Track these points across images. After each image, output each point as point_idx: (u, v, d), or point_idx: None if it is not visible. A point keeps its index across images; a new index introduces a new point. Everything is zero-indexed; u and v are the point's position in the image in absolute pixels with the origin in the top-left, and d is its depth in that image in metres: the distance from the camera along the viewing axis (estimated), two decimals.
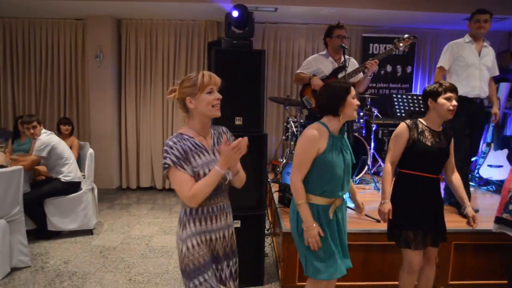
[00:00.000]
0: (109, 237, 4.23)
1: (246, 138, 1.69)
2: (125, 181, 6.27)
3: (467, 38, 3.69)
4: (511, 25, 5.97)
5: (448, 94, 2.29)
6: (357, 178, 4.55)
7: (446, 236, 2.45)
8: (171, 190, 6.15)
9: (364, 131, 4.84)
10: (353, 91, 2.09)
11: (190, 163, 1.73)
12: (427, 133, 2.35)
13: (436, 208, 2.40)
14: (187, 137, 1.79)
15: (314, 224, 2.06)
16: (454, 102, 2.30)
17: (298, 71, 3.82)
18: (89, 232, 4.28)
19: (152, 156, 6.21)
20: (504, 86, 4.82)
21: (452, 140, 2.44)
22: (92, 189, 4.42)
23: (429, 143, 2.32)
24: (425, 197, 2.36)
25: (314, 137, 2.04)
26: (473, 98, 3.59)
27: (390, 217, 2.37)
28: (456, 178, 2.48)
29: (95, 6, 5.30)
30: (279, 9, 5.32)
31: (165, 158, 1.72)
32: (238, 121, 3.07)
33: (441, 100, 2.30)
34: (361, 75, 3.69)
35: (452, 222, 3.13)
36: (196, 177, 1.73)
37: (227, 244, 1.90)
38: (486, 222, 3.27)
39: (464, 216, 2.50)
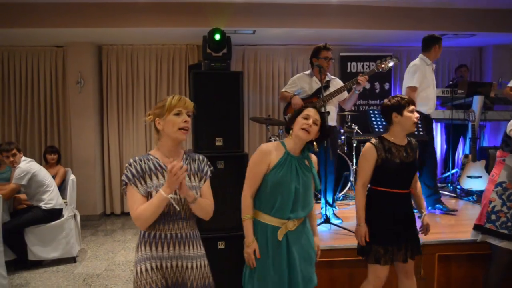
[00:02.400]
0: (93, 264, 4.14)
1: (180, 163, 1.67)
2: (109, 207, 6.17)
3: (427, 60, 3.98)
4: (481, 41, 6.22)
5: (411, 107, 2.32)
6: (340, 194, 4.59)
7: (420, 249, 2.45)
8: None
9: (346, 148, 4.91)
10: (306, 112, 2.09)
11: (145, 183, 1.74)
12: (394, 150, 2.34)
13: (407, 221, 2.40)
14: (152, 157, 1.81)
15: (253, 242, 2.07)
16: (417, 114, 2.33)
17: (283, 89, 3.90)
18: (72, 260, 4.18)
19: None
20: (478, 99, 4.98)
21: (418, 151, 2.46)
22: (75, 215, 4.35)
23: (397, 160, 2.32)
24: (396, 212, 2.36)
25: (264, 152, 2.08)
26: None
27: (367, 240, 2.35)
28: (418, 188, 2.53)
29: (76, 33, 5.33)
30: (257, 31, 5.44)
31: (123, 174, 1.76)
32: (219, 142, 3.09)
33: (406, 113, 2.31)
34: (345, 94, 3.77)
35: (435, 233, 3.17)
36: (149, 197, 1.73)
37: (180, 275, 1.80)
38: (467, 233, 3.32)
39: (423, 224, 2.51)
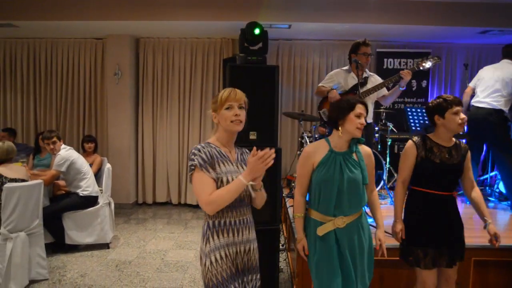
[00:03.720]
0: (125, 251, 4.26)
1: (273, 150, 1.71)
2: (141, 196, 6.34)
3: None
4: None
5: (456, 108, 2.23)
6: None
7: (463, 256, 2.37)
8: (186, 205, 6.19)
9: (379, 146, 4.81)
10: (359, 109, 2.08)
11: (215, 169, 1.78)
12: (435, 150, 2.29)
13: (450, 226, 2.32)
14: (213, 146, 1.86)
15: (302, 239, 2.15)
16: (462, 115, 2.25)
17: (319, 84, 3.88)
18: (105, 246, 4.33)
19: (168, 172, 6.28)
20: None
21: (469, 154, 2.37)
22: (109, 203, 4.49)
23: (437, 160, 2.27)
24: (437, 214, 2.29)
25: (307, 153, 2.15)
26: None
27: (403, 237, 2.34)
28: (476, 194, 2.39)
29: (115, 26, 5.48)
30: (293, 26, 5.40)
31: (192, 160, 1.78)
32: (253, 136, 3.10)
33: (449, 115, 2.24)
34: (384, 91, 3.71)
35: (472, 237, 3.06)
36: (219, 183, 1.77)
37: (249, 259, 1.90)
38: (508, 238, 3.19)
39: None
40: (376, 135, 4.83)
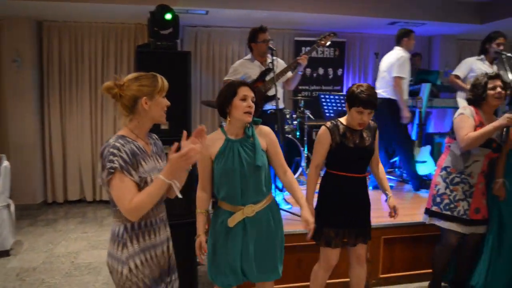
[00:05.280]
0: (29, 257, 3.86)
1: (198, 145, 1.56)
2: (50, 195, 5.79)
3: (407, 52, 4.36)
4: (430, 30, 6.39)
5: (359, 108, 2.21)
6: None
7: (370, 234, 2.47)
8: (102, 202, 5.79)
9: (298, 133, 4.90)
10: (242, 92, 1.98)
11: (137, 169, 1.57)
12: (348, 134, 2.33)
13: (360, 206, 2.41)
14: (130, 140, 1.61)
15: (200, 236, 2.06)
16: (365, 118, 2.24)
17: (225, 78, 3.80)
18: (5, 253, 3.86)
19: (80, 167, 5.82)
20: (425, 87, 5.11)
21: (377, 133, 2.44)
22: (8, 205, 4.02)
23: (351, 145, 2.31)
24: (350, 196, 2.36)
25: (204, 148, 2.00)
26: None
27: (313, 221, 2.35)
28: (380, 170, 2.51)
29: (11, 6, 4.86)
30: (210, 12, 5.24)
31: (111, 161, 1.51)
32: (164, 126, 2.93)
33: (353, 111, 2.25)
34: (289, 74, 3.73)
35: (381, 217, 3.23)
36: (143, 184, 1.57)
37: (170, 258, 1.76)
38: (412, 215, 3.42)
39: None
40: (295, 122, 4.91)
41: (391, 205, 2.41)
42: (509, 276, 2.71)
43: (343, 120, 2.39)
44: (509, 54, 3.88)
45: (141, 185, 1.57)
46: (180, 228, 2.97)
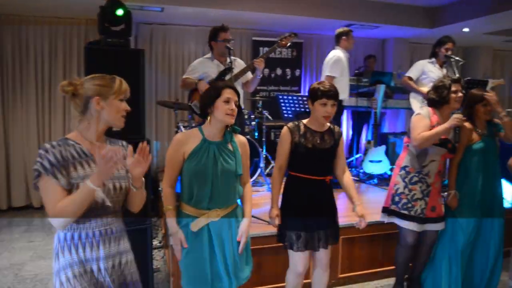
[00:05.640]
0: None
1: (116, 148, 1.47)
2: None
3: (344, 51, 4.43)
4: (384, 33, 6.59)
5: (324, 100, 2.22)
6: (250, 181, 4.53)
7: (337, 239, 2.46)
8: None
9: (256, 134, 4.86)
10: (226, 94, 1.95)
11: (68, 174, 1.46)
12: (308, 135, 2.32)
13: (323, 210, 2.37)
14: (72, 143, 1.53)
15: (178, 232, 1.98)
16: (329, 109, 2.23)
17: (184, 76, 3.70)
18: None
19: (26, 170, 5.43)
20: (380, 88, 5.25)
21: (342, 140, 2.41)
22: None
23: (309, 145, 2.29)
24: (310, 199, 2.33)
25: (178, 141, 1.98)
26: None
27: (279, 222, 2.35)
28: (347, 178, 2.46)
29: None
30: (166, 9, 5.09)
31: (36, 163, 1.45)
32: (115, 128, 2.77)
33: (317, 104, 2.25)
34: (249, 75, 3.68)
35: (340, 217, 3.23)
36: (74, 190, 1.47)
37: (123, 274, 1.64)
38: (371, 215, 3.46)
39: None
40: (253, 122, 4.86)
41: (359, 214, 2.37)
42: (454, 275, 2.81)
43: (305, 121, 2.38)
44: (457, 58, 4.06)
45: (72, 191, 1.49)
46: (135, 234, 2.84)
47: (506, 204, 3.84)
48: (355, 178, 5.11)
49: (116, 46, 2.85)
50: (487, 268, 2.84)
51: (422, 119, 2.64)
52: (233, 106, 1.96)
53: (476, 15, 5.44)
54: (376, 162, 4.95)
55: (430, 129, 2.60)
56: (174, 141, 1.99)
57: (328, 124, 2.38)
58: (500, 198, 2.89)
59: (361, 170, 5.13)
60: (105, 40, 2.85)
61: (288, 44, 3.66)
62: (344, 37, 4.38)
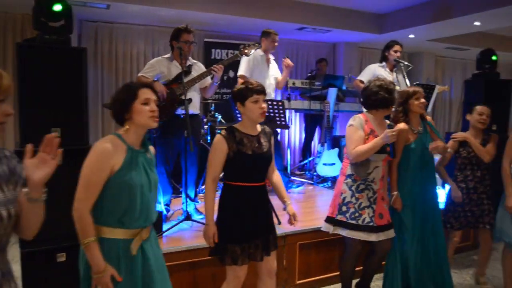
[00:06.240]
0: None
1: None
2: None
3: (260, 52, 4.29)
4: (335, 37, 6.70)
5: (255, 97, 2.13)
6: (203, 187, 4.38)
7: (276, 244, 2.34)
8: None
9: (208, 138, 4.72)
10: (144, 95, 1.72)
11: None
12: (246, 140, 2.17)
13: (264, 216, 2.28)
14: None
15: (107, 268, 1.62)
16: (263, 104, 2.16)
17: (139, 74, 3.45)
18: None
19: None
20: (332, 91, 5.31)
21: (273, 140, 2.33)
22: None
23: (249, 152, 2.16)
24: (252, 207, 2.20)
25: (106, 152, 1.63)
26: None
27: (216, 240, 2.15)
28: (277, 177, 2.39)
29: None
30: (112, 6, 4.81)
31: None
32: (55, 133, 2.52)
33: (249, 103, 2.14)
34: (208, 80, 3.54)
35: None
36: None
37: None
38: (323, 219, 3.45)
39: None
40: (205, 126, 4.72)
41: (291, 212, 2.33)
42: (405, 279, 2.82)
43: (238, 126, 2.23)
44: (406, 63, 4.18)
45: None
46: (76, 250, 2.58)
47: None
48: (309, 181, 5.12)
49: (54, 44, 2.60)
50: (439, 263, 2.88)
51: (356, 131, 2.58)
52: (154, 107, 1.73)
53: (420, 22, 5.69)
54: (330, 165, 4.99)
55: (365, 140, 2.56)
56: (99, 152, 1.64)
57: (259, 126, 2.28)
58: (436, 193, 2.93)
59: (315, 173, 5.14)
60: (42, 37, 2.59)
61: (252, 51, 3.56)
62: (263, 38, 4.32)
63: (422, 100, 2.78)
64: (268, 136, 2.29)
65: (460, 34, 6.38)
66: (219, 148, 2.14)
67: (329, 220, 2.73)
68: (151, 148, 1.89)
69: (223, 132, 2.17)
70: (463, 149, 3.10)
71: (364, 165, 2.60)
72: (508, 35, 7.14)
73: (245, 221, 2.17)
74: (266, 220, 2.29)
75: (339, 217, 2.65)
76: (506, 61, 8.75)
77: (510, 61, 9.01)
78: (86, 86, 2.67)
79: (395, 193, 2.76)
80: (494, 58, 4.45)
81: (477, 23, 5.53)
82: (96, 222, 1.65)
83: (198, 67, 3.53)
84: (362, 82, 4.35)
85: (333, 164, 4.99)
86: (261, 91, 2.15)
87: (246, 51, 3.49)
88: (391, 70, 4.23)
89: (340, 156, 5.20)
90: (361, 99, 2.72)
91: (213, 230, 2.15)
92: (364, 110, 2.80)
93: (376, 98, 2.58)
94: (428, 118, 2.93)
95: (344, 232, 2.63)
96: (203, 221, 3.18)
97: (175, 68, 3.38)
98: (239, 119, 4.17)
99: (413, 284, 2.82)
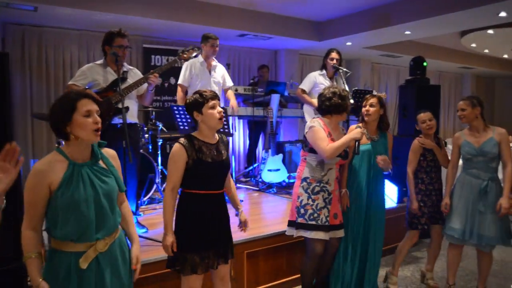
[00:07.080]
0: None
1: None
2: None
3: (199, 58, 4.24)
4: (276, 44, 6.79)
5: (212, 102, 2.17)
6: (145, 198, 4.19)
7: (232, 252, 2.35)
8: None
9: (150, 147, 4.54)
10: (85, 107, 1.62)
11: None
12: (205, 148, 2.18)
13: (222, 224, 2.28)
14: None
15: (40, 283, 1.58)
16: (219, 108, 2.20)
17: (70, 82, 3.22)
18: None
19: None
20: (275, 97, 5.35)
21: (229, 147, 2.38)
22: None
23: (209, 159, 2.17)
24: (211, 215, 2.20)
25: (38, 173, 1.58)
26: None
27: (175, 249, 2.12)
28: (232, 185, 2.46)
29: None
30: (40, 9, 4.49)
31: None
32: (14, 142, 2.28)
33: (206, 110, 2.16)
34: (145, 86, 3.37)
35: (241, 232, 3.13)
36: None
37: None
38: (272, 226, 3.44)
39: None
40: (146, 135, 4.53)
41: (242, 219, 2.42)
42: (350, 276, 2.94)
43: (196, 134, 2.23)
44: (345, 69, 4.31)
45: None
46: (6, 275, 2.35)
47: (391, 204, 4.22)
48: (255, 188, 5.10)
49: None
50: (371, 261, 2.99)
51: (320, 131, 2.69)
52: (97, 118, 1.65)
53: (356, 30, 5.94)
54: (274, 171, 5.00)
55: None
56: (34, 173, 1.60)
57: (217, 134, 2.31)
58: (383, 195, 3.09)
59: (260, 180, 5.13)
60: None
61: (192, 56, 3.50)
62: (202, 43, 4.24)
63: (367, 107, 2.95)
64: (225, 144, 2.34)
65: (393, 42, 6.77)
66: (177, 156, 2.13)
67: (291, 223, 2.81)
68: (109, 152, 1.81)
69: (182, 140, 2.16)
70: (428, 152, 3.23)
71: (320, 168, 2.74)
72: (433, 43, 7.72)
73: (204, 229, 2.17)
74: (225, 227, 2.29)
75: (300, 220, 2.74)
76: (434, 68, 9.45)
77: (437, 68, 9.75)
78: (9, 94, 2.44)
79: (344, 190, 2.91)
80: (425, 64, 4.76)
81: (407, 32, 5.89)
82: (51, 235, 1.65)
83: (134, 73, 3.36)
84: (304, 91, 4.44)
85: (278, 170, 5.02)
86: (215, 96, 2.20)
87: (185, 55, 3.39)
88: (331, 78, 4.34)
89: (285, 161, 5.25)
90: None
91: (171, 240, 2.11)
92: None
93: (330, 104, 2.72)
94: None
95: (307, 234, 2.72)
96: (146, 235, 3.07)
97: (110, 75, 3.19)
98: (181, 127, 4.07)
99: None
